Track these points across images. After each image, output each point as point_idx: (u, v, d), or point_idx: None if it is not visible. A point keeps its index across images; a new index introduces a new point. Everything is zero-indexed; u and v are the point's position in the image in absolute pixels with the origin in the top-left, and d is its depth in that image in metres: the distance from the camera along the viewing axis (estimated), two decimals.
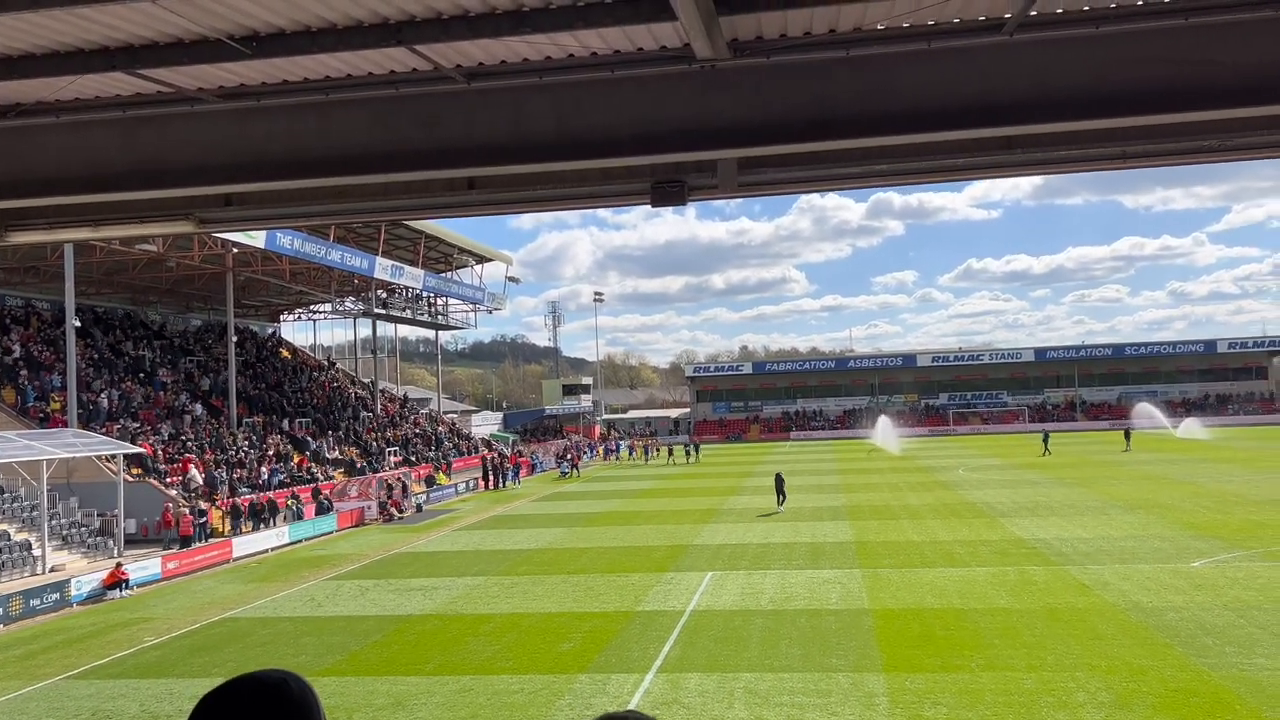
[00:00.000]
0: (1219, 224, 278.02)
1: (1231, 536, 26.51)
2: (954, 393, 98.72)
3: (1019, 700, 13.87)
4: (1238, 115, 6.21)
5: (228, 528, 35.40)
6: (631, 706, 11.94)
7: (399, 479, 46.27)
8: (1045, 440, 61.95)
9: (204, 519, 34.19)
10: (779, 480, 38.67)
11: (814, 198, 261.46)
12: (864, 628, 18.47)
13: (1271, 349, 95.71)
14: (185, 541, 32.81)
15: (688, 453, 72.10)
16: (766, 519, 35.22)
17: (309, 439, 50.16)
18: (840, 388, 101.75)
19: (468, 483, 54.36)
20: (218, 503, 36.27)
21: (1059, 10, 5.93)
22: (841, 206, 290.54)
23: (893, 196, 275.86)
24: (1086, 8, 5.89)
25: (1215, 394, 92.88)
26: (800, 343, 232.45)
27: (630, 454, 79.90)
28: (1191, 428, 70.70)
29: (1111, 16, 5.86)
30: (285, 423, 50.73)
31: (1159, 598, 19.68)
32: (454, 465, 59.27)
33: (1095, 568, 23.04)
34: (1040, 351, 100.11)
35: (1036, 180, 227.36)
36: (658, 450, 78.31)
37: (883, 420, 79.44)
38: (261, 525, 36.47)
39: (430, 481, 51.91)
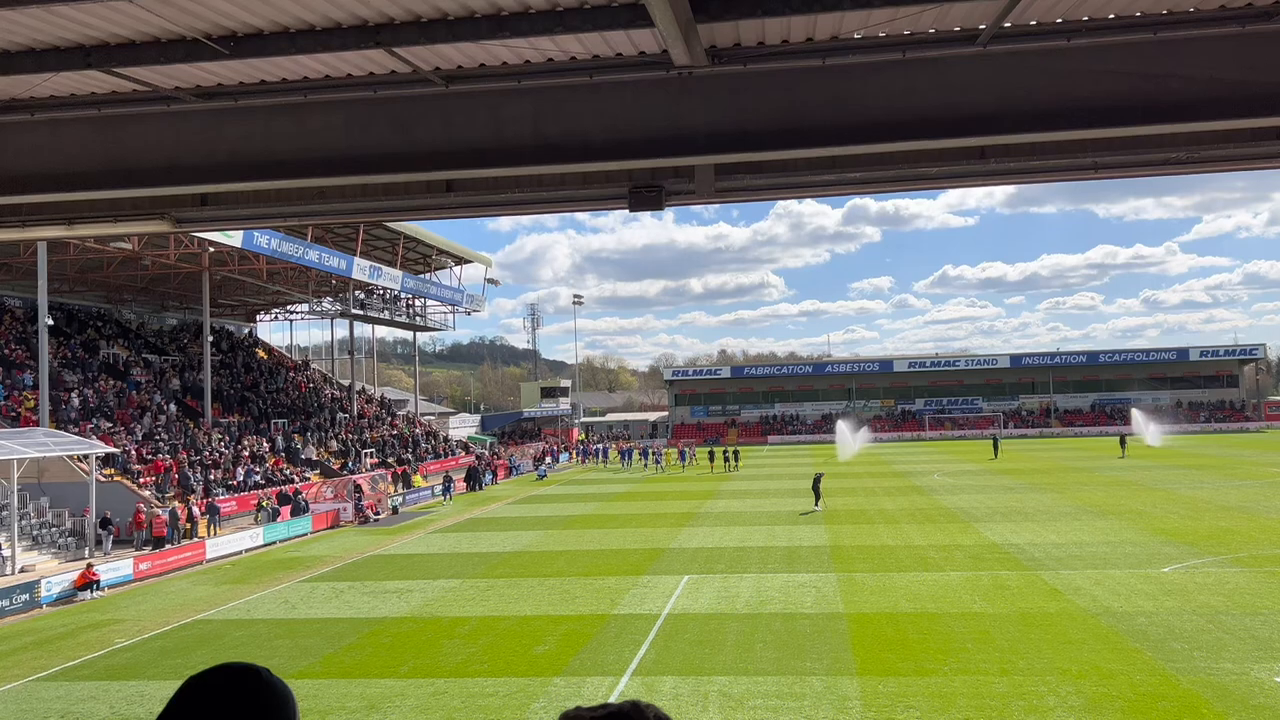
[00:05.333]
0: (1190, 234, 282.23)
1: (1201, 542, 26.83)
2: (930, 398, 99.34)
3: (991, 704, 13.98)
4: (1204, 128, 6.31)
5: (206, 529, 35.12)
6: None
7: (354, 481, 46.03)
8: (995, 445, 66.09)
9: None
10: (817, 481, 39.42)
11: (791, 204, 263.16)
12: (838, 631, 18.56)
13: (1243, 357, 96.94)
14: (158, 543, 32.55)
15: (726, 459, 62.67)
16: (749, 520, 35.32)
17: (285, 440, 49.83)
18: (817, 392, 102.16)
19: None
20: (193, 503, 35.97)
21: (1032, 23, 6.02)
22: (818, 213, 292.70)
23: (869, 203, 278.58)
24: (1059, 20, 5.98)
25: (1188, 401, 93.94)
26: (778, 347, 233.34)
27: (649, 461, 66.95)
28: (1154, 435, 71.19)
29: (1082, 30, 5.94)
30: (261, 423, 50.38)
31: (1130, 603, 19.89)
32: (428, 468, 59.00)
33: (1067, 573, 23.26)
34: (1015, 358, 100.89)
35: (1010, 188, 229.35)
36: (693, 456, 68.51)
37: (840, 425, 77.20)
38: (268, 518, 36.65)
39: (406, 481, 51.66)
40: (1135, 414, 79.53)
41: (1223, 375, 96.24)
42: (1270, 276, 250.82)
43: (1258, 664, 15.33)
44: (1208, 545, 26.36)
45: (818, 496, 38.76)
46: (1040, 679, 15.04)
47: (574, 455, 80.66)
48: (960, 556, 26.22)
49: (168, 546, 32.11)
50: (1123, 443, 62.93)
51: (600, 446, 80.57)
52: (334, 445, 53.48)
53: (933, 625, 18.74)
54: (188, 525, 34.46)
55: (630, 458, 69.97)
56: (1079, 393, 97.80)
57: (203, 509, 35.94)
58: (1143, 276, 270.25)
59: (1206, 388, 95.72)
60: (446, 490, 50.18)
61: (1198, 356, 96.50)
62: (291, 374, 63.52)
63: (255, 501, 38.59)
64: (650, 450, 69.67)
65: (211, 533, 35.10)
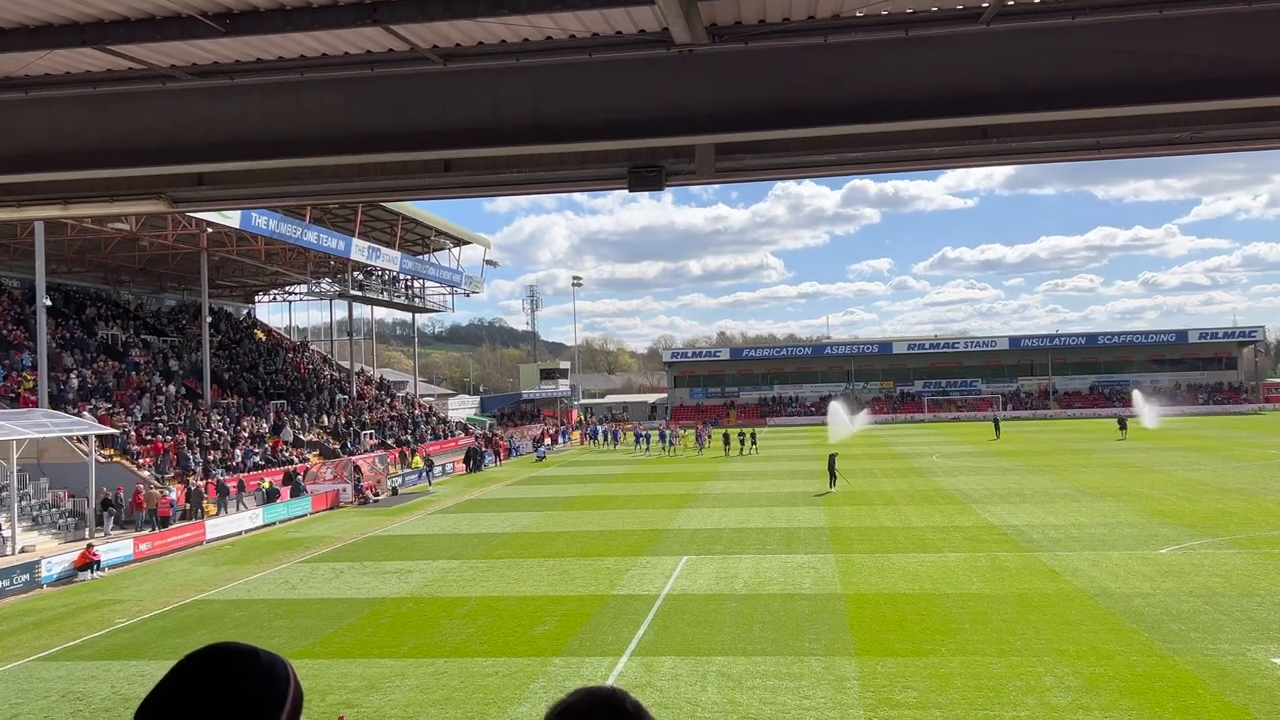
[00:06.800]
0: (1189, 216, 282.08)
1: (1199, 524, 26.89)
2: (929, 380, 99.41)
3: (988, 684, 14.04)
4: (1209, 108, 6.26)
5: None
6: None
7: (353, 462, 46.10)
8: (996, 426, 68.01)
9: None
10: (832, 461, 39.39)
11: (789, 185, 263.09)
12: (837, 612, 18.63)
13: (1241, 339, 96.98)
14: (163, 522, 32.64)
15: (743, 441, 60.35)
16: (747, 501, 35.40)
17: (284, 420, 49.85)
18: (816, 374, 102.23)
19: (443, 466, 54.19)
20: (193, 483, 36.03)
21: (1036, 0, 5.96)
22: (817, 194, 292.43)
23: (868, 184, 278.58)
24: None
25: (1186, 383, 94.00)
26: (777, 329, 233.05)
27: (667, 444, 65.43)
28: (1151, 416, 70.94)
29: (1087, 8, 5.88)
30: (261, 404, 50.38)
31: (1127, 584, 19.95)
32: (427, 449, 59.03)
33: (1065, 554, 23.33)
34: (1015, 340, 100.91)
35: (1009, 170, 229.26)
36: (709, 438, 64.80)
37: (834, 406, 75.56)
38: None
39: (431, 462, 51.73)
40: (1136, 395, 79.33)
41: (1222, 357, 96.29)
42: (1269, 259, 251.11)
43: (1255, 645, 15.39)
44: (1205, 527, 26.43)
45: (833, 477, 38.71)
46: (1038, 659, 15.10)
47: (582, 437, 79.91)
48: (958, 538, 26.30)
49: (172, 526, 32.22)
50: (1122, 424, 62.74)
51: (609, 429, 77.48)
52: (325, 423, 53.46)
53: (931, 606, 18.80)
54: (186, 506, 34.51)
55: (648, 440, 67.14)
56: (1078, 375, 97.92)
57: (206, 490, 35.96)
58: (1142, 258, 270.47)
59: (1205, 370, 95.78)
60: (428, 474, 48.83)
61: (1197, 339, 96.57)
62: (290, 355, 63.49)
63: (236, 484, 38.61)
64: (667, 432, 68.10)
65: (220, 512, 35.25)
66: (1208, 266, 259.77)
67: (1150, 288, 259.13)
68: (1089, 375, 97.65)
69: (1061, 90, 6.05)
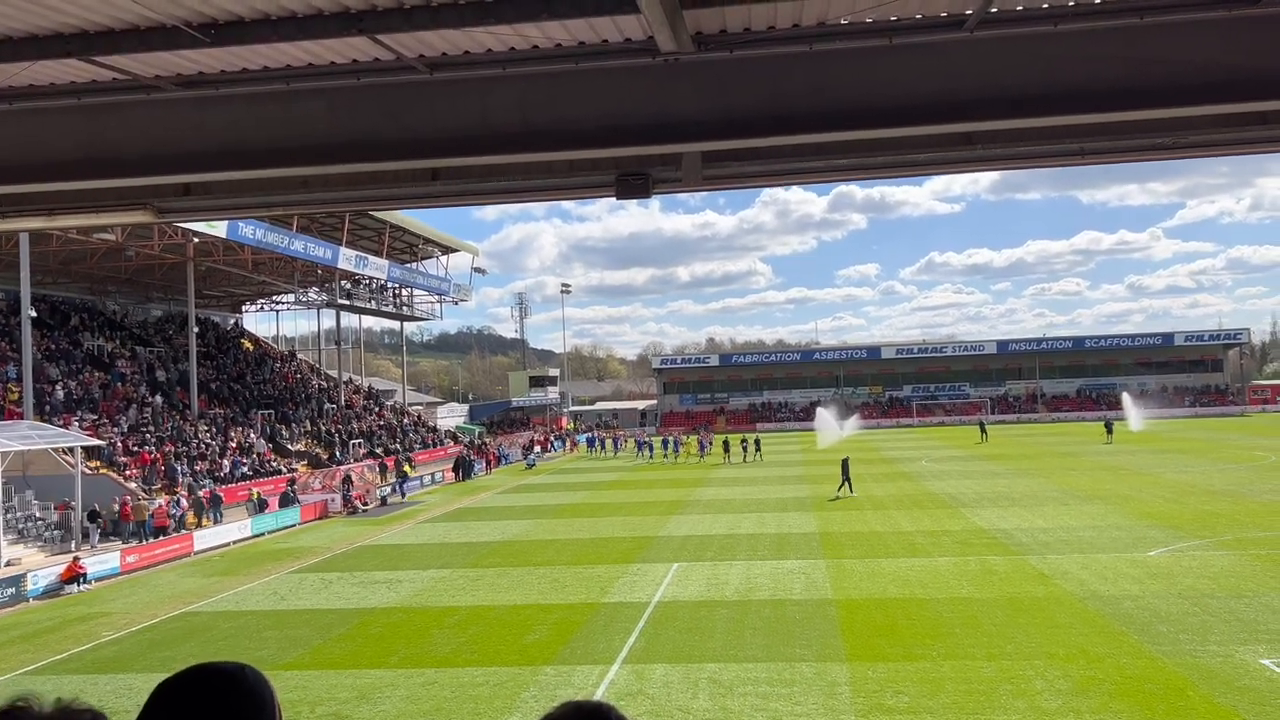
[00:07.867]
0: (1173, 220, 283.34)
1: (1186, 526, 27.02)
2: (918, 384, 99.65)
3: (979, 688, 14.07)
4: (1191, 113, 6.31)
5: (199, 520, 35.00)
6: (596, 698, 11.93)
7: (345, 473, 45.94)
8: (982, 429, 68.34)
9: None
10: (845, 465, 39.38)
11: (777, 191, 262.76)
12: (828, 618, 18.64)
13: (1227, 342, 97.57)
14: (160, 532, 32.46)
15: (745, 448, 58.59)
16: (737, 507, 35.39)
17: (271, 430, 49.63)
18: (806, 379, 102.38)
19: (433, 475, 54.06)
20: (180, 494, 35.82)
21: (1019, 7, 6.00)
22: (804, 200, 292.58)
23: (855, 190, 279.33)
24: (1046, 5, 5.96)
25: (1173, 386, 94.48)
26: (766, 335, 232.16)
27: (670, 450, 63.26)
28: (1136, 419, 71.11)
29: (1070, 15, 5.93)
30: (248, 413, 50.16)
31: (1116, 587, 20.02)
32: (416, 458, 58.87)
33: (1054, 557, 23.40)
34: (1002, 344, 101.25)
35: (995, 175, 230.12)
36: (710, 444, 64.22)
37: (820, 412, 75.37)
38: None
39: (400, 470, 51.54)
40: (1125, 398, 79.57)
41: (1207, 360, 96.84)
42: (1253, 261, 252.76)
43: (1243, 646, 15.46)
44: (1193, 529, 26.55)
45: (847, 481, 38.64)
46: (1028, 663, 15.14)
47: (567, 445, 79.38)
48: (948, 542, 26.35)
49: (165, 536, 32.06)
50: (1109, 428, 62.83)
51: (602, 435, 75.75)
52: (311, 429, 53.25)
53: (921, 611, 18.83)
54: (177, 515, 34.32)
55: (650, 448, 65.47)
56: (1065, 378, 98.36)
57: (194, 500, 35.75)
58: (1127, 262, 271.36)
59: (1192, 372, 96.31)
60: (401, 487, 47.48)
61: (1183, 341, 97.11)
62: (278, 365, 63.24)
63: (209, 496, 38.40)
64: (670, 439, 66.43)
65: (215, 522, 35.11)
66: (1192, 270, 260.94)
67: (1136, 291, 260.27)
68: (1076, 378, 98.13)
69: (1045, 96, 6.09)
